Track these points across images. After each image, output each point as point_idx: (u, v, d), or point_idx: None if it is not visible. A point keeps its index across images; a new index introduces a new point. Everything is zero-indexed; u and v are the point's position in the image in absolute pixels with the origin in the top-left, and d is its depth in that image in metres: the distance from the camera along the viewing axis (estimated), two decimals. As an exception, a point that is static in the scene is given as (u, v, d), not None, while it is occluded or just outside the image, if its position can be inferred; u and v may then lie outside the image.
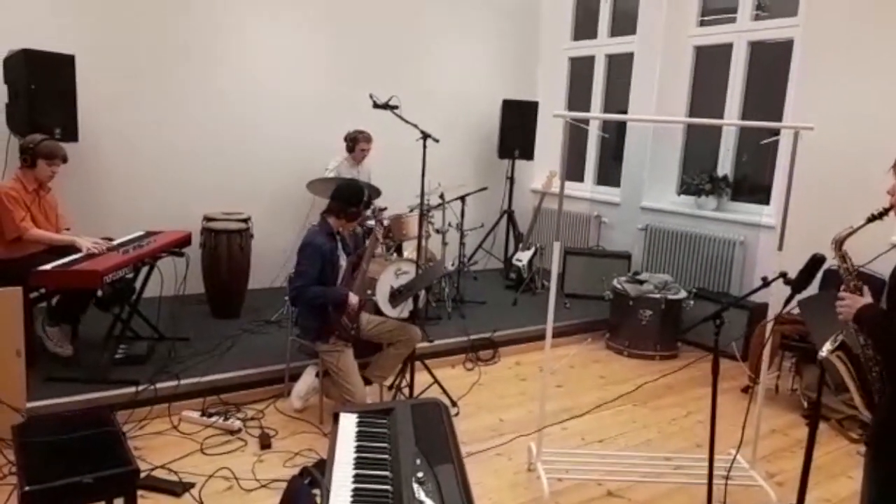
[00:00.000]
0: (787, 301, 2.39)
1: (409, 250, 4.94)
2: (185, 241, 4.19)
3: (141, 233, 4.14)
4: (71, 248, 3.53)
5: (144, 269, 3.87)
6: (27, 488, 1.91)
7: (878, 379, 2.01)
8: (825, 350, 2.06)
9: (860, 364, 2.03)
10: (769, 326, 3.05)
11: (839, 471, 3.29)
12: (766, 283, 2.55)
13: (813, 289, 2.45)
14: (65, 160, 3.63)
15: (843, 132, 4.29)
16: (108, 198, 4.71)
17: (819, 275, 2.37)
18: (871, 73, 4.24)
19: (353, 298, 3.41)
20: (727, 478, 2.63)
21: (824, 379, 2.61)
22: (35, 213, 3.58)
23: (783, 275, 2.49)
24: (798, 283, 2.36)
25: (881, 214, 1.99)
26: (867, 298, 1.98)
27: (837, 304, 1.99)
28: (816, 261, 2.31)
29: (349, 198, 3.43)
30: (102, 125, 4.61)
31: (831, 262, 2.20)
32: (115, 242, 3.78)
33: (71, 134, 4.14)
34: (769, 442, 3.54)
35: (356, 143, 5.09)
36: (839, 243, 2.09)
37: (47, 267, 3.19)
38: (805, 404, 3.94)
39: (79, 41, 4.35)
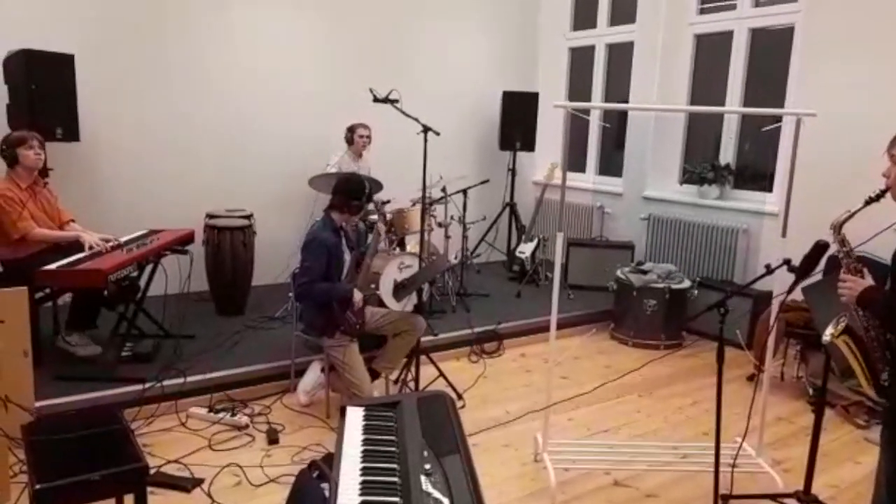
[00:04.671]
0: (791, 288, 2.39)
1: (412, 244, 4.95)
2: (189, 238, 4.20)
3: (144, 231, 4.15)
4: (76, 244, 3.54)
5: (149, 268, 3.88)
6: (38, 486, 1.92)
7: (884, 360, 2.01)
8: (828, 334, 2.06)
9: (865, 347, 2.03)
10: (773, 314, 3.04)
11: (846, 457, 3.30)
12: (769, 270, 2.54)
13: (817, 275, 2.44)
14: (40, 140, 3.57)
15: (846, 118, 4.27)
16: (110, 196, 4.72)
17: (822, 261, 2.37)
18: (874, 58, 4.21)
19: (358, 295, 3.41)
20: (734, 465, 2.64)
21: (829, 365, 2.61)
22: (33, 210, 3.57)
23: (787, 262, 2.48)
24: (802, 270, 2.35)
25: (878, 197, 2.00)
26: (868, 280, 1.99)
27: (839, 285, 2.00)
28: (820, 247, 2.30)
29: (351, 191, 3.43)
30: (103, 124, 4.62)
31: (833, 247, 2.19)
32: (121, 240, 3.79)
33: (72, 133, 4.15)
34: (775, 429, 3.55)
35: (353, 131, 5.17)
36: (838, 227, 2.10)
37: (52, 267, 3.20)
38: (810, 391, 3.94)
39: (78, 41, 4.35)
